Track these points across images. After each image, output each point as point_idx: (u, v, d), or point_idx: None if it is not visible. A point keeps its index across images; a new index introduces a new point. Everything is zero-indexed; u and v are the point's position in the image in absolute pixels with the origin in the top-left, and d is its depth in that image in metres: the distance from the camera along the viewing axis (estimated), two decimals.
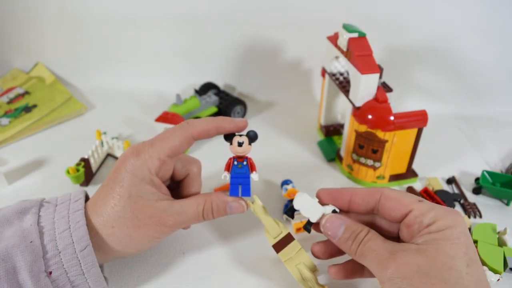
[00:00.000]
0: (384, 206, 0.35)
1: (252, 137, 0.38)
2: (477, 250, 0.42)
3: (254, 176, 0.39)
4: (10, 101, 0.70)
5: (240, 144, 0.38)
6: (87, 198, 0.39)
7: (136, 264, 0.42)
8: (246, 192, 0.39)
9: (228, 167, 0.39)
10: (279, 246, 0.39)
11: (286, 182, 0.52)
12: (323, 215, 0.36)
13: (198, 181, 0.42)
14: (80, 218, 0.35)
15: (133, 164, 0.36)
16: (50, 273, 0.33)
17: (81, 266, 0.33)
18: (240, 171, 0.38)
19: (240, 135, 0.38)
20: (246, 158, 0.39)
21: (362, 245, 0.33)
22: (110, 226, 0.35)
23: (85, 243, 0.34)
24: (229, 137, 0.39)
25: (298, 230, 0.46)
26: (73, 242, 0.34)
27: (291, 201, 0.49)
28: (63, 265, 0.33)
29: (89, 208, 0.37)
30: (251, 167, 0.39)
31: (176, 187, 0.43)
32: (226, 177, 0.39)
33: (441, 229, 0.31)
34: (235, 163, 0.38)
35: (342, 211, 0.37)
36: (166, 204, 0.37)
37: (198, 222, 0.39)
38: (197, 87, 0.70)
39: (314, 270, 0.38)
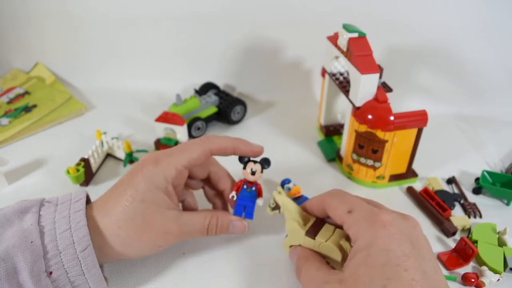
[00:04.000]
0: (330, 215, 0.36)
1: (266, 166, 0.41)
2: (477, 251, 0.42)
3: (259, 201, 0.42)
4: (10, 101, 0.70)
5: (253, 173, 0.40)
6: (88, 199, 0.39)
7: (136, 264, 0.42)
8: (249, 214, 0.42)
9: (238, 188, 0.41)
10: (313, 231, 0.38)
11: (286, 181, 0.52)
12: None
13: (224, 172, 0.44)
14: (81, 219, 0.35)
15: (151, 170, 0.37)
16: (51, 273, 0.33)
17: (81, 267, 0.33)
18: (248, 195, 0.41)
19: (255, 162, 0.41)
20: (256, 184, 0.41)
21: (302, 275, 0.35)
22: (116, 227, 0.36)
23: (85, 243, 0.34)
24: (243, 161, 0.41)
25: None
26: (74, 243, 0.34)
27: (295, 199, 0.49)
28: (63, 265, 0.33)
29: (96, 208, 0.37)
30: (259, 193, 0.42)
31: (186, 199, 0.45)
32: (234, 197, 0.41)
33: (359, 250, 0.30)
34: (245, 186, 0.41)
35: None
36: (175, 213, 0.38)
37: (202, 236, 0.41)
38: (197, 87, 0.70)
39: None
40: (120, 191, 0.37)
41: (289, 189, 0.50)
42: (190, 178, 0.44)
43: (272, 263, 0.43)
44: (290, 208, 0.38)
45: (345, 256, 0.36)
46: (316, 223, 0.39)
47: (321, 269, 0.33)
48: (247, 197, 0.41)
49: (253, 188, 0.41)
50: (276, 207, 0.39)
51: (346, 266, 0.31)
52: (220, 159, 0.45)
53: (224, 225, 0.41)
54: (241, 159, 0.41)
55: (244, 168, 0.41)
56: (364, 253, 0.30)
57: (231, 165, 0.46)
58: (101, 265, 0.37)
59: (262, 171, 0.41)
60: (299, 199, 0.49)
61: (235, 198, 0.42)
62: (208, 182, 0.45)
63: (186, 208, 0.45)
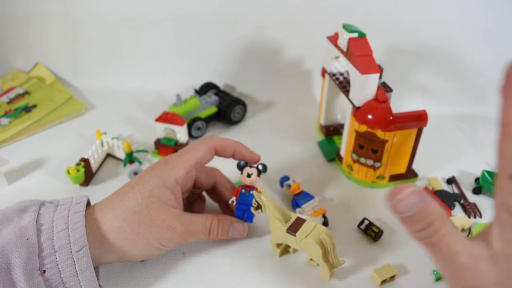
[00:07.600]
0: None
1: (262, 170, 0.42)
2: None
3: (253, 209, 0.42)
4: (10, 101, 0.70)
5: (249, 175, 0.42)
6: (89, 203, 0.40)
7: (136, 265, 0.42)
8: (249, 218, 0.43)
9: (237, 193, 0.43)
10: (294, 228, 0.40)
11: (285, 179, 0.52)
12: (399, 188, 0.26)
13: (229, 185, 0.46)
14: (79, 219, 0.35)
15: (161, 169, 0.39)
16: (44, 271, 0.32)
17: (75, 267, 0.33)
18: (246, 199, 0.42)
19: (251, 167, 0.43)
20: (253, 188, 0.42)
21: (436, 237, 0.26)
22: (121, 219, 0.36)
23: (81, 244, 0.34)
24: (240, 166, 0.43)
25: None
26: (70, 242, 0.34)
27: (297, 195, 0.50)
28: (57, 264, 0.33)
29: (99, 207, 0.38)
30: None
31: (190, 204, 0.47)
32: (233, 202, 0.43)
33: None
34: (243, 191, 0.43)
35: None
36: (179, 212, 0.40)
37: (203, 238, 0.41)
38: (197, 87, 0.70)
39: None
40: (127, 189, 0.39)
41: (289, 186, 0.50)
42: (196, 187, 0.45)
43: (272, 263, 0.43)
44: (270, 207, 0.40)
45: (325, 251, 0.38)
46: (297, 221, 0.40)
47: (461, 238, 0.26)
48: (245, 201, 0.42)
49: (251, 192, 0.42)
50: (258, 206, 0.41)
51: (497, 238, 0.24)
52: (221, 163, 0.46)
53: (226, 227, 0.42)
54: (239, 165, 0.43)
55: (241, 172, 0.42)
56: None
57: (231, 170, 0.46)
58: (97, 271, 0.37)
59: (258, 175, 0.42)
60: (300, 195, 0.50)
61: (234, 203, 0.43)
62: (214, 193, 0.47)
63: (194, 210, 0.47)
